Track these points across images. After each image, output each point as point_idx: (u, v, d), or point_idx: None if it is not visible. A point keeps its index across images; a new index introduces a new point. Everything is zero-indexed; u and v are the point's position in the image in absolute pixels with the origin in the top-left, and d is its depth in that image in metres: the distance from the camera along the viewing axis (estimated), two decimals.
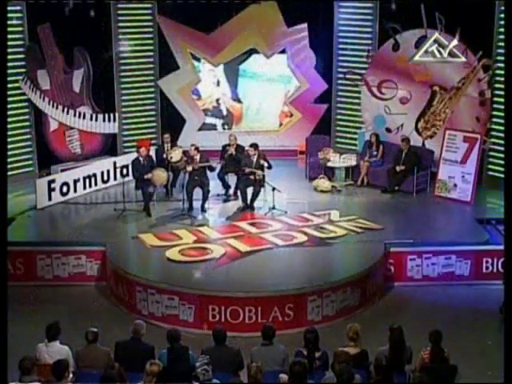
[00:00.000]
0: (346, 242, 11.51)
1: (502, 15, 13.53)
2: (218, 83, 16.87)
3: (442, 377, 7.22)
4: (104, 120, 15.46)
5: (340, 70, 16.25)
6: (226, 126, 16.91)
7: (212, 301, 9.78)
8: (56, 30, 14.56)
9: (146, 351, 7.48)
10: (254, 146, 13.06)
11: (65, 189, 13.46)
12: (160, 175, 12.99)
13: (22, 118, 14.75)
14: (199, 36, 16.23)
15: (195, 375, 6.81)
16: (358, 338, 7.58)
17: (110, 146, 15.83)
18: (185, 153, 13.28)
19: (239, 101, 17.02)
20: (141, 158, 12.96)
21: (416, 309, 10.43)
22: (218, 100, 16.96)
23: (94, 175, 14.08)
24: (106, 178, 14.28)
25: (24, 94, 14.55)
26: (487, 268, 11.22)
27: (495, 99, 14.12)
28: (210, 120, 16.99)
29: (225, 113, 17.04)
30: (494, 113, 14.17)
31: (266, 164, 12.93)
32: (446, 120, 14.52)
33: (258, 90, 16.93)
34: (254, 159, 12.98)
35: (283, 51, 16.41)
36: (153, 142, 15.72)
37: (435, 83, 14.60)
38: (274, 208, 12.77)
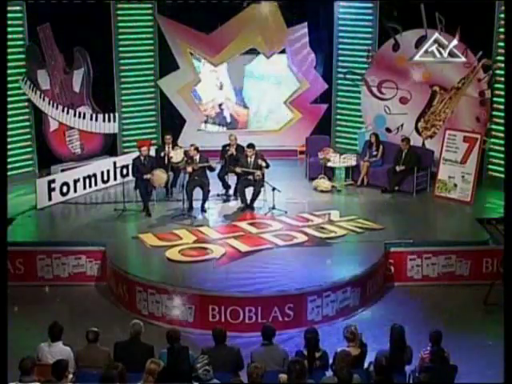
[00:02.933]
0: (346, 242, 11.52)
1: (502, 15, 13.53)
2: (221, 86, 16.48)
3: (441, 377, 7.23)
4: (104, 120, 15.43)
5: (340, 70, 16.24)
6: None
7: (212, 301, 9.77)
8: (56, 30, 14.54)
9: (145, 351, 7.48)
10: (252, 146, 13.05)
11: (65, 189, 13.45)
12: (160, 176, 12.98)
13: (21, 117, 14.73)
14: (199, 36, 16.18)
15: (196, 375, 6.81)
16: (355, 339, 7.59)
17: (109, 146, 15.81)
18: (186, 153, 13.28)
19: (245, 106, 16.64)
20: (142, 158, 12.96)
21: (416, 309, 10.42)
22: (220, 105, 16.56)
23: (94, 175, 14.07)
24: (106, 178, 14.27)
25: (24, 93, 14.55)
26: (487, 268, 11.22)
27: (495, 99, 14.13)
28: (211, 128, 16.55)
29: (229, 120, 16.62)
30: (494, 113, 14.17)
31: (263, 164, 12.93)
32: (446, 120, 14.53)
33: (267, 94, 16.54)
34: (252, 159, 12.98)
35: (283, 51, 16.39)
36: (153, 142, 15.69)
37: (435, 83, 14.60)
38: (273, 208, 12.77)
